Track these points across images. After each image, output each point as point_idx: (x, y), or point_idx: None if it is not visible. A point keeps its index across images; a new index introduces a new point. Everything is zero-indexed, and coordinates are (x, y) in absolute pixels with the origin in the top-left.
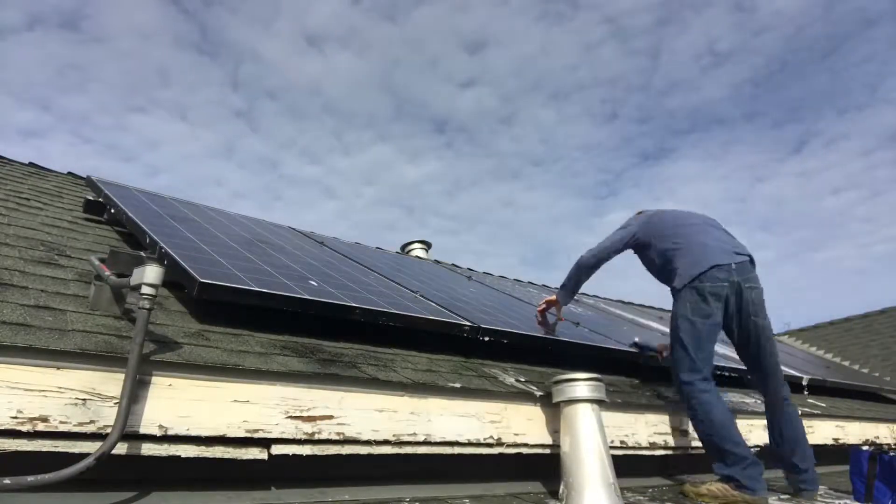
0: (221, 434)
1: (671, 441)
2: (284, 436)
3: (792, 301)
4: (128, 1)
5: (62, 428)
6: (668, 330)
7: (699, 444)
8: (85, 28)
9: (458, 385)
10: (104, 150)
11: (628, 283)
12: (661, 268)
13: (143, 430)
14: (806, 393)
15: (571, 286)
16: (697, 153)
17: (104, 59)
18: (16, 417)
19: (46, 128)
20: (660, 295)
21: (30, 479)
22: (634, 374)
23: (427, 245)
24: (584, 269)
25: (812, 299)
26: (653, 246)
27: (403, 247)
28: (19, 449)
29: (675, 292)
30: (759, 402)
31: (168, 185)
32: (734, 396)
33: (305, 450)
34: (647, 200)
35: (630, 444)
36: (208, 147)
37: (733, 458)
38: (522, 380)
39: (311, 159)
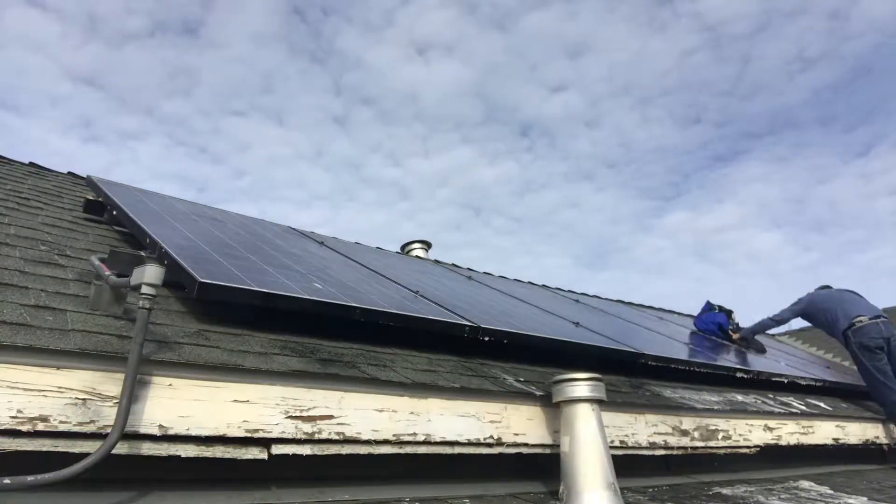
0: (221, 434)
1: (671, 441)
2: (284, 436)
3: None
4: (252, 9)
5: (62, 428)
6: (664, 329)
7: (699, 443)
8: (203, 34)
9: (457, 385)
10: (196, 152)
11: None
12: None
13: (143, 430)
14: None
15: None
16: (767, 156)
17: (215, 64)
18: (16, 417)
19: (144, 130)
20: (661, 296)
21: (30, 479)
22: (634, 373)
23: (427, 245)
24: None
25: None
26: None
27: (403, 247)
28: (19, 449)
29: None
30: (758, 402)
31: (249, 186)
32: (738, 397)
33: (305, 450)
34: (708, 201)
35: (630, 444)
36: (298, 150)
37: None
38: (522, 380)
39: (394, 162)
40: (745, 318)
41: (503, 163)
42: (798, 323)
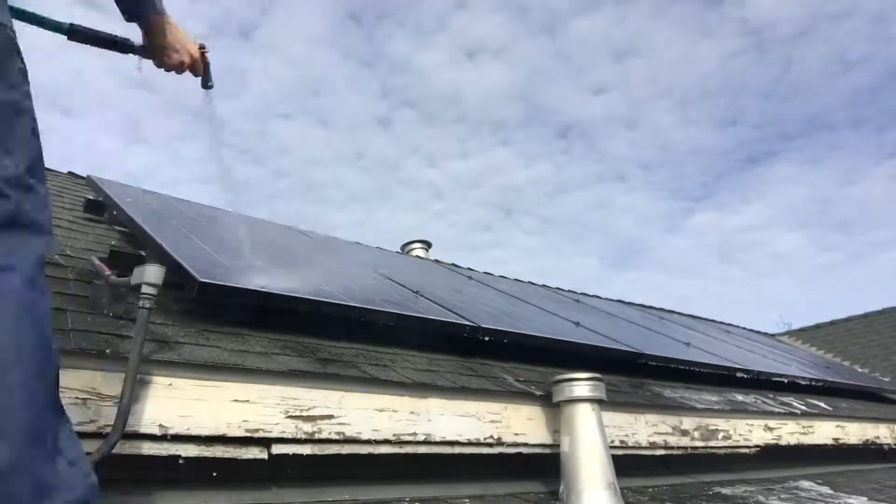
0: (221, 434)
1: (671, 441)
2: (284, 435)
3: (848, 300)
4: (309, 14)
5: None
6: (665, 330)
7: (699, 443)
8: (257, 37)
9: (457, 385)
10: (236, 154)
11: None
12: None
13: (143, 430)
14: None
15: None
16: (800, 157)
17: (266, 67)
18: None
19: (189, 132)
20: (682, 296)
21: None
22: (634, 373)
23: (427, 245)
24: None
25: (866, 298)
26: None
27: (403, 247)
28: None
29: None
30: (758, 402)
31: (286, 188)
32: (738, 397)
33: (305, 449)
34: (736, 202)
35: (630, 444)
36: (339, 152)
37: None
38: (522, 379)
39: (431, 163)
40: (760, 320)
41: (538, 164)
42: (798, 322)
